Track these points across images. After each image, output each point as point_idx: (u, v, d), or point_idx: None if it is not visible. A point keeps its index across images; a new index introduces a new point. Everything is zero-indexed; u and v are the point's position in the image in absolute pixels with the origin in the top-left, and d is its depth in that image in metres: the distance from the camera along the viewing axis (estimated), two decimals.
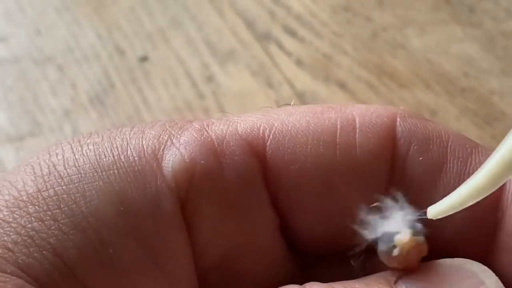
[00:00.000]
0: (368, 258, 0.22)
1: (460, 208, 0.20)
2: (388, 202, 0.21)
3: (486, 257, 0.21)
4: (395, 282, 0.20)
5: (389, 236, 0.20)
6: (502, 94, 0.47)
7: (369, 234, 0.21)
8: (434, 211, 0.20)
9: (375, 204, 0.21)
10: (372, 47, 0.51)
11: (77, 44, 0.52)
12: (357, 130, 0.22)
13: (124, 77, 0.50)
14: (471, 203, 0.20)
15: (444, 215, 0.20)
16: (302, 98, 0.48)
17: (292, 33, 0.52)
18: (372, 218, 0.21)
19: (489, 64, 0.49)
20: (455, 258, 0.21)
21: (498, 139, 0.44)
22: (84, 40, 0.52)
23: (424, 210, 0.20)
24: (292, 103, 0.24)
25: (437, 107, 0.46)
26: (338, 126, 0.22)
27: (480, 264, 0.20)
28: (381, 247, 0.20)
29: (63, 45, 0.52)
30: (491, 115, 0.46)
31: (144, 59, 0.51)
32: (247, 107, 0.47)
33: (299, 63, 0.50)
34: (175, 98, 0.48)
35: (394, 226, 0.20)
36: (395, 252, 0.20)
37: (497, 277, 0.20)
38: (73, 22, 0.54)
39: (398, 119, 0.22)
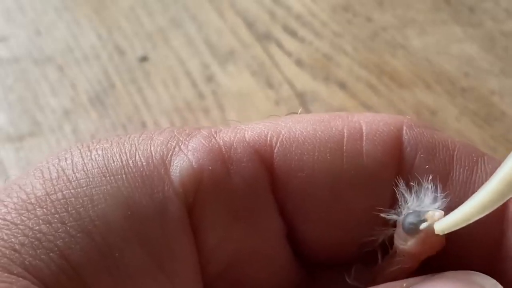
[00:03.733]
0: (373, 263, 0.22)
1: (466, 224, 0.20)
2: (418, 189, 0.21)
3: (492, 265, 0.21)
4: None
5: (420, 212, 0.21)
6: (502, 94, 0.47)
7: (397, 214, 0.21)
8: (441, 226, 0.20)
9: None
10: (372, 47, 0.51)
11: (77, 44, 0.52)
12: (364, 138, 0.22)
13: (124, 77, 0.50)
14: (476, 218, 0.20)
15: (451, 230, 0.20)
16: (302, 98, 0.48)
17: (292, 33, 0.52)
18: (404, 198, 0.21)
19: (489, 64, 0.49)
20: (464, 271, 0.21)
21: (498, 139, 0.44)
22: (84, 40, 0.52)
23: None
24: (299, 112, 0.25)
25: (437, 107, 0.46)
26: (345, 134, 0.22)
27: (489, 277, 0.21)
28: (410, 219, 0.21)
29: (63, 45, 0.52)
30: (491, 115, 0.46)
31: (144, 59, 0.51)
32: (247, 107, 0.47)
33: (299, 63, 0.50)
34: (175, 98, 0.48)
35: (424, 204, 0.21)
36: (423, 225, 0.20)
37: None
38: (73, 22, 0.54)
39: (404, 128, 0.22)
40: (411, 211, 0.21)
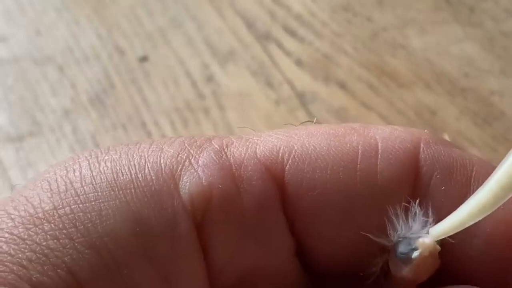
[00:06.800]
0: (381, 281, 0.22)
1: (461, 228, 0.20)
2: (408, 214, 0.21)
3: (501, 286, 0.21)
4: None
5: (411, 240, 0.20)
6: (502, 94, 0.47)
7: (388, 241, 0.21)
8: (436, 231, 0.20)
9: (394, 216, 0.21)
10: (372, 47, 0.51)
11: (77, 44, 0.52)
12: (379, 156, 0.21)
13: (124, 77, 0.50)
14: (471, 223, 0.20)
15: (446, 235, 0.20)
16: (302, 98, 0.48)
17: (292, 33, 0.52)
18: (392, 224, 0.21)
19: (489, 64, 0.49)
20: (462, 285, 0.21)
21: (498, 139, 0.44)
22: (84, 40, 0.52)
23: None
24: (314, 121, 0.24)
25: (437, 107, 0.46)
26: (360, 151, 0.21)
27: None
28: (401, 249, 0.20)
29: (63, 45, 0.52)
30: (491, 115, 0.46)
31: (144, 59, 0.51)
32: (247, 107, 0.47)
33: (299, 63, 0.50)
34: (175, 98, 0.48)
35: (414, 230, 0.21)
36: (415, 254, 0.20)
37: None
38: (73, 22, 0.54)
39: (422, 145, 0.21)
40: (401, 239, 0.21)
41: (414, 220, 0.21)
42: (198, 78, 0.49)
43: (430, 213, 0.21)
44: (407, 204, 0.21)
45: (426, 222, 0.21)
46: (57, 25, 0.54)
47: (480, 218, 0.20)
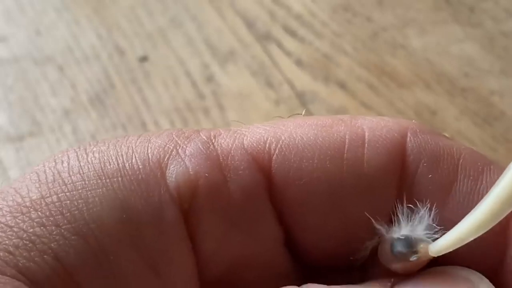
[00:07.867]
0: (369, 265, 0.22)
1: (461, 244, 0.20)
2: (410, 209, 0.21)
3: (494, 277, 0.21)
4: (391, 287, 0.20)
5: (413, 241, 0.20)
6: (502, 94, 0.47)
7: (388, 232, 0.21)
8: (436, 248, 0.20)
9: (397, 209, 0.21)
10: (372, 47, 0.51)
11: (77, 44, 0.52)
12: (366, 145, 0.21)
13: (124, 77, 0.50)
14: (472, 239, 0.20)
15: (446, 252, 0.20)
16: (302, 98, 0.48)
17: (292, 33, 0.52)
18: (395, 219, 0.21)
19: (489, 64, 0.49)
20: (450, 266, 0.21)
21: (498, 139, 0.44)
22: (84, 40, 0.52)
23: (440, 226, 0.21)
24: (303, 113, 0.24)
25: (437, 107, 0.46)
26: (347, 141, 0.21)
27: (475, 272, 0.20)
28: (400, 249, 0.20)
29: (63, 45, 0.52)
30: (491, 115, 0.46)
31: (144, 59, 0.51)
32: (247, 107, 0.47)
33: (299, 63, 0.50)
34: (175, 98, 0.48)
35: (417, 232, 0.21)
36: (413, 258, 0.20)
37: (492, 285, 0.20)
38: (73, 22, 0.54)
39: (409, 135, 0.21)
40: (401, 236, 0.21)
41: (419, 222, 0.21)
42: (198, 78, 0.49)
43: (433, 217, 0.21)
44: (411, 206, 0.21)
45: (430, 227, 0.21)
46: (57, 25, 0.54)
47: (480, 234, 0.20)
